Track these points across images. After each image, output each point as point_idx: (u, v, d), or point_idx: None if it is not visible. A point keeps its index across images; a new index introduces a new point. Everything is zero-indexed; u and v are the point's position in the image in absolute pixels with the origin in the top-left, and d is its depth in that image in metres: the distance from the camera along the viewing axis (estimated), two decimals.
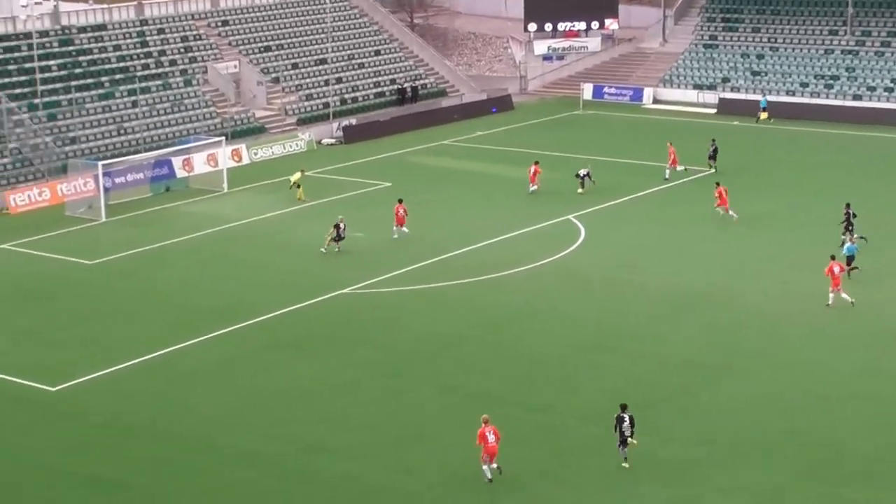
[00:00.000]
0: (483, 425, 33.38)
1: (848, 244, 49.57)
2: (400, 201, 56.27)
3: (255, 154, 75.23)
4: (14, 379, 40.78)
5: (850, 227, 52.02)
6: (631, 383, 39.90)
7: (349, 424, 37.25)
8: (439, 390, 39.63)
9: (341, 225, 53.98)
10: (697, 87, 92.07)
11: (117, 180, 65.78)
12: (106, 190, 62.92)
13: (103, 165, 63.12)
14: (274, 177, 69.48)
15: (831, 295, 45.78)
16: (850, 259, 48.81)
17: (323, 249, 53.68)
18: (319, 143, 79.66)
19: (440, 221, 59.45)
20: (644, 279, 50.19)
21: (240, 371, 41.54)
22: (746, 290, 48.31)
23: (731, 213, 57.20)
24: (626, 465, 34.00)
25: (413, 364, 41.89)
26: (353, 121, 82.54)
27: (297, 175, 63.95)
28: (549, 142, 77.74)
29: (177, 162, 69.05)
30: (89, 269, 53.14)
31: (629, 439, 33.87)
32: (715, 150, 68.07)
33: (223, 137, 71.09)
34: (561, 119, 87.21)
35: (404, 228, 55.88)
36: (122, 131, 72.31)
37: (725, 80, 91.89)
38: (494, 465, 33.36)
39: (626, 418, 34.01)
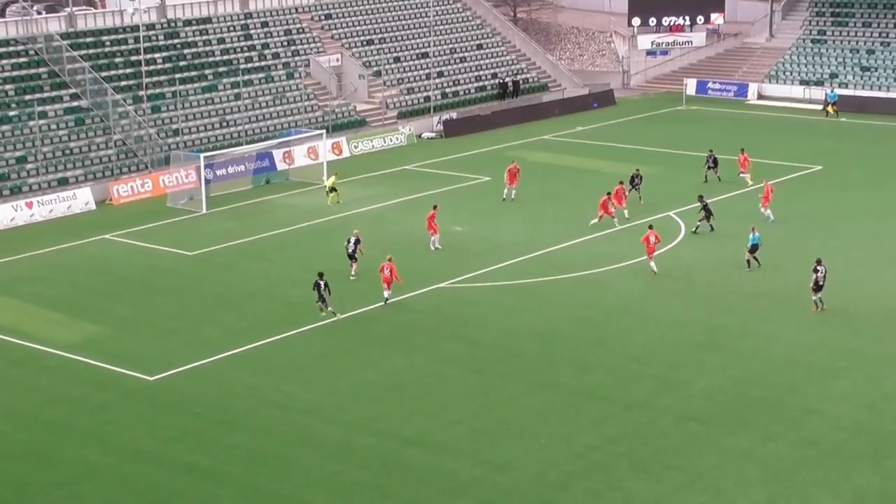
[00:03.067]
0: (386, 261, 45.81)
1: (752, 235, 49.98)
2: (434, 207, 54.33)
3: (356, 147, 75.34)
4: (113, 367, 41.14)
5: (709, 216, 54.43)
6: (732, 381, 39.15)
7: (443, 418, 36.97)
8: (535, 386, 39.17)
9: (351, 240, 49.84)
10: (804, 83, 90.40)
11: (218, 172, 66.28)
12: (207, 182, 63.36)
13: (205, 157, 63.60)
14: (374, 170, 69.60)
15: (652, 263, 49.39)
16: (754, 248, 49.73)
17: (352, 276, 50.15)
18: (420, 136, 79.60)
19: (538, 216, 58.95)
20: (746, 276, 49.23)
21: (336, 364, 41.47)
22: (852, 288, 47.18)
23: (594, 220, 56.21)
24: (324, 314, 44.41)
25: (509, 359, 41.48)
26: (453, 115, 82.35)
27: (332, 179, 62.59)
28: (650, 138, 76.88)
29: (277, 154, 69.43)
30: (190, 260, 53.53)
31: (327, 301, 44.32)
32: (714, 161, 63.73)
33: (324, 130, 71.32)
34: (663, 115, 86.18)
35: (437, 236, 53.48)
36: (224, 124, 72.90)
37: (833, 75, 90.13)
38: (388, 293, 45.97)
39: (322, 284, 44.11)
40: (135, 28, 73.64)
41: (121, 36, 74.33)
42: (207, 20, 79.06)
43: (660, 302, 46.72)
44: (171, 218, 60.68)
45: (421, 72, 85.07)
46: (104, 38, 73.61)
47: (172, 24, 77.20)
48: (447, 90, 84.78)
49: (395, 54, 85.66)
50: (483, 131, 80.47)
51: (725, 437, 35.25)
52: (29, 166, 63.90)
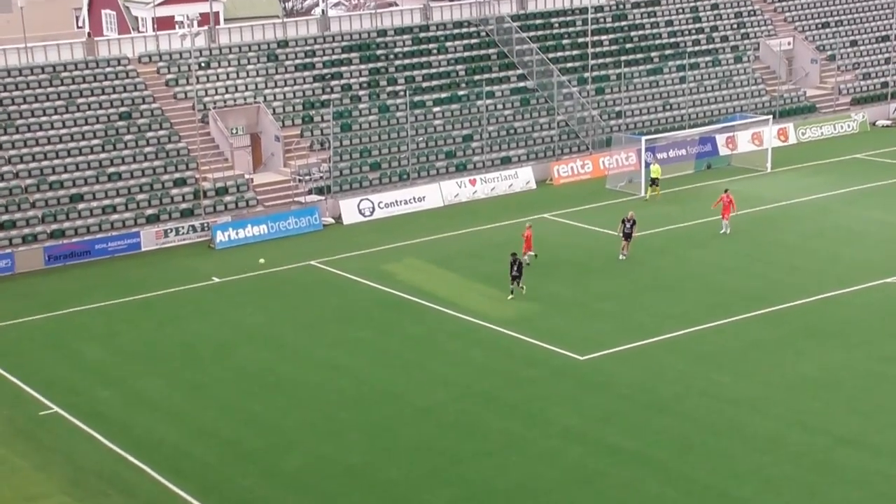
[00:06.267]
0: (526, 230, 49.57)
1: None
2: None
3: (803, 134, 72.68)
4: (544, 345, 41.49)
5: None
6: None
7: (882, 420, 34.88)
8: None
9: (627, 223, 49.59)
10: None
11: (659, 156, 65.67)
12: (647, 165, 62.94)
13: (647, 140, 63.20)
14: (821, 158, 66.92)
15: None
16: None
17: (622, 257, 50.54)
18: (873, 124, 75.84)
19: None
20: None
21: (768, 355, 40.01)
22: None
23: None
24: (511, 297, 45.96)
25: None
26: None
27: (657, 168, 60.62)
28: None
29: (720, 139, 68.04)
30: None
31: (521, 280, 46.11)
32: None
33: (770, 116, 69.18)
34: None
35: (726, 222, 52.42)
36: (667, 107, 72.17)
37: None
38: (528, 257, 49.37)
39: (515, 264, 45.78)
40: (583, 10, 74.17)
41: (569, 18, 75.08)
42: (656, 2, 78.49)
43: None
44: (609, 200, 60.64)
45: (880, 56, 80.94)
46: (553, 19, 74.62)
47: (621, 7, 77.19)
48: None
49: (851, 37, 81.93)
50: None
51: None
52: (475, 144, 65.70)
